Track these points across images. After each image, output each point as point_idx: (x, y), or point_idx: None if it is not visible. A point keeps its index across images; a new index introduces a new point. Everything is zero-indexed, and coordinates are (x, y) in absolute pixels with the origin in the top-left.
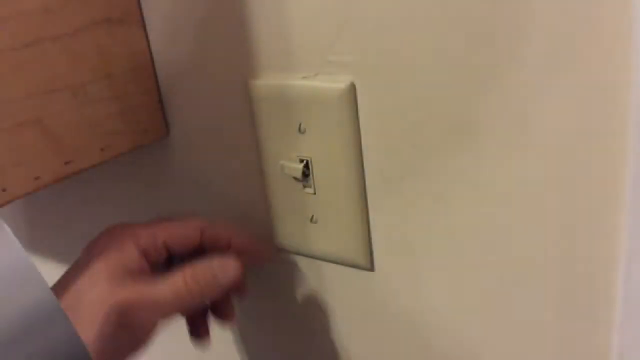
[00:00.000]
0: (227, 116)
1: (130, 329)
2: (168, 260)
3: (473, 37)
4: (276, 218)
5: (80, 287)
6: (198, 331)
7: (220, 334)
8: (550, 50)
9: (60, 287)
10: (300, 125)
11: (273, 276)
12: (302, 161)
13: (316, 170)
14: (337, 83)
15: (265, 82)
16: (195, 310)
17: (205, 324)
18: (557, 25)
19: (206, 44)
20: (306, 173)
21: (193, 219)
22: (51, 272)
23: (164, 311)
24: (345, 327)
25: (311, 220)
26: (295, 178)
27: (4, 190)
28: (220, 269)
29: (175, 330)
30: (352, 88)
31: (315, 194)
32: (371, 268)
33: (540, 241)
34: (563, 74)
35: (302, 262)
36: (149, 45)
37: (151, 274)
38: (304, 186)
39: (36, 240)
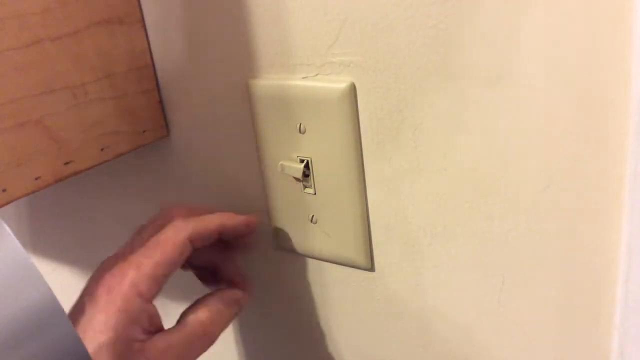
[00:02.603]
0: (227, 116)
1: None
2: None
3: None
4: (276, 218)
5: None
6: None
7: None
8: (551, 55)
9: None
10: (300, 125)
11: (273, 276)
12: (302, 161)
13: (316, 170)
14: (337, 83)
15: (265, 82)
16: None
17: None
18: (557, 27)
19: (206, 44)
20: (306, 173)
21: (176, 232)
22: (51, 272)
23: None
24: (346, 327)
25: (311, 220)
26: (295, 178)
27: (4, 190)
28: (227, 306)
29: None
30: (352, 88)
31: (315, 194)
32: (371, 268)
33: (540, 242)
34: (564, 75)
35: (302, 262)
36: (149, 45)
37: (160, 322)
38: (304, 186)
39: (36, 240)
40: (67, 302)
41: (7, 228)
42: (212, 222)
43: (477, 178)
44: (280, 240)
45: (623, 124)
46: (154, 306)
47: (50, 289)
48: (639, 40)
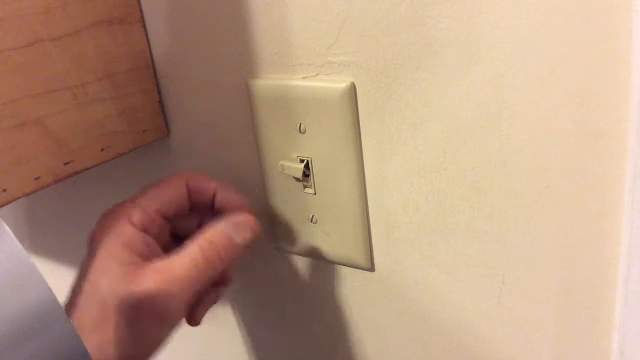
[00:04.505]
0: (227, 116)
1: (154, 319)
2: (174, 235)
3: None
4: (276, 218)
5: (93, 281)
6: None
7: (221, 333)
8: (551, 55)
9: (75, 288)
10: (300, 125)
11: (273, 276)
12: (302, 161)
13: (316, 170)
14: (337, 83)
15: (265, 82)
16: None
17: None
18: (557, 27)
19: (206, 44)
20: (306, 173)
21: (175, 176)
22: (51, 272)
23: (188, 288)
24: (346, 327)
25: (311, 220)
26: (295, 178)
27: (4, 190)
28: (236, 230)
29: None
30: (352, 88)
31: (315, 194)
32: (371, 268)
33: (540, 242)
34: (564, 75)
35: (302, 262)
36: (149, 45)
37: (160, 251)
38: (304, 186)
39: (36, 240)
40: None
41: (7, 228)
42: (211, 181)
43: (477, 178)
44: (280, 240)
45: (623, 124)
46: (150, 237)
47: (50, 289)
48: (639, 40)
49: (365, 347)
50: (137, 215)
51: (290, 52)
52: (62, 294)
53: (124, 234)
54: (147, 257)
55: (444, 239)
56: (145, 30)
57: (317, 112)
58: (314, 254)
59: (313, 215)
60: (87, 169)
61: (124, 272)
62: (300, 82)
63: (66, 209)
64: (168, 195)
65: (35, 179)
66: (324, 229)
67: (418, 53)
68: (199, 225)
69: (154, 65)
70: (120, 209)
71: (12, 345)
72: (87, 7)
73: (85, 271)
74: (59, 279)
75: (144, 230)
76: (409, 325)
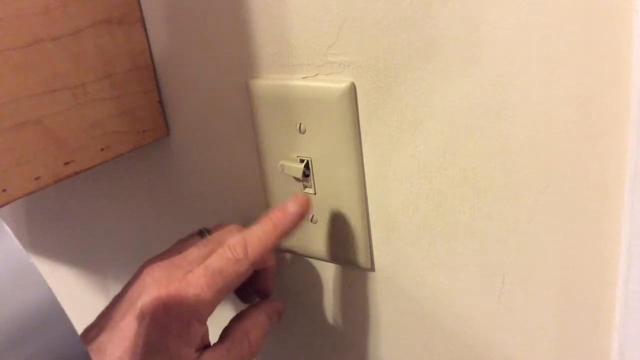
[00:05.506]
0: (227, 116)
1: None
2: None
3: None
4: None
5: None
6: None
7: (219, 333)
8: (551, 55)
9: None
10: (300, 125)
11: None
12: (302, 161)
13: (316, 170)
14: (337, 83)
15: (265, 82)
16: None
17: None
18: (557, 26)
19: (206, 44)
20: (306, 173)
21: (238, 257)
22: (51, 272)
23: None
24: (346, 327)
25: (311, 220)
26: (295, 178)
27: (4, 190)
28: (269, 318)
29: None
30: (352, 88)
31: (315, 194)
32: (371, 268)
33: (540, 242)
34: (564, 75)
35: (302, 262)
36: (149, 45)
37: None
38: (304, 186)
39: (36, 240)
40: (67, 302)
41: (7, 228)
42: (270, 239)
43: (477, 178)
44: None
45: (623, 124)
46: (207, 326)
47: (50, 289)
48: (639, 40)
49: (365, 347)
50: (205, 313)
51: (290, 52)
52: (62, 294)
53: (189, 334)
54: (199, 349)
55: (444, 239)
56: (145, 30)
57: (317, 112)
58: (314, 254)
59: (313, 215)
60: (87, 169)
61: None
62: (300, 82)
63: (66, 209)
64: (234, 286)
65: (35, 179)
66: (324, 229)
67: (418, 53)
68: None
69: (154, 65)
70: (185, 299)
71: (12, 345)
72: (87, 7)
73: (133, 341)
74: (59, 279)
75: (206, 320)
76: (409, 325)
